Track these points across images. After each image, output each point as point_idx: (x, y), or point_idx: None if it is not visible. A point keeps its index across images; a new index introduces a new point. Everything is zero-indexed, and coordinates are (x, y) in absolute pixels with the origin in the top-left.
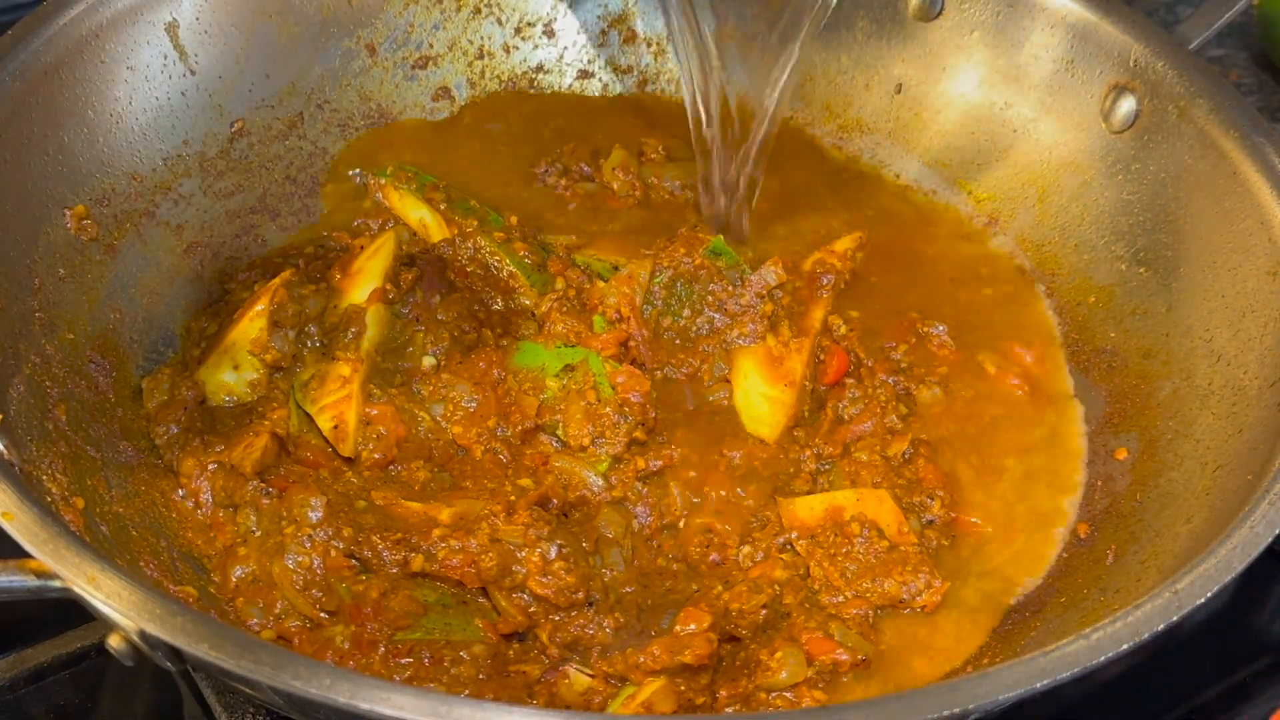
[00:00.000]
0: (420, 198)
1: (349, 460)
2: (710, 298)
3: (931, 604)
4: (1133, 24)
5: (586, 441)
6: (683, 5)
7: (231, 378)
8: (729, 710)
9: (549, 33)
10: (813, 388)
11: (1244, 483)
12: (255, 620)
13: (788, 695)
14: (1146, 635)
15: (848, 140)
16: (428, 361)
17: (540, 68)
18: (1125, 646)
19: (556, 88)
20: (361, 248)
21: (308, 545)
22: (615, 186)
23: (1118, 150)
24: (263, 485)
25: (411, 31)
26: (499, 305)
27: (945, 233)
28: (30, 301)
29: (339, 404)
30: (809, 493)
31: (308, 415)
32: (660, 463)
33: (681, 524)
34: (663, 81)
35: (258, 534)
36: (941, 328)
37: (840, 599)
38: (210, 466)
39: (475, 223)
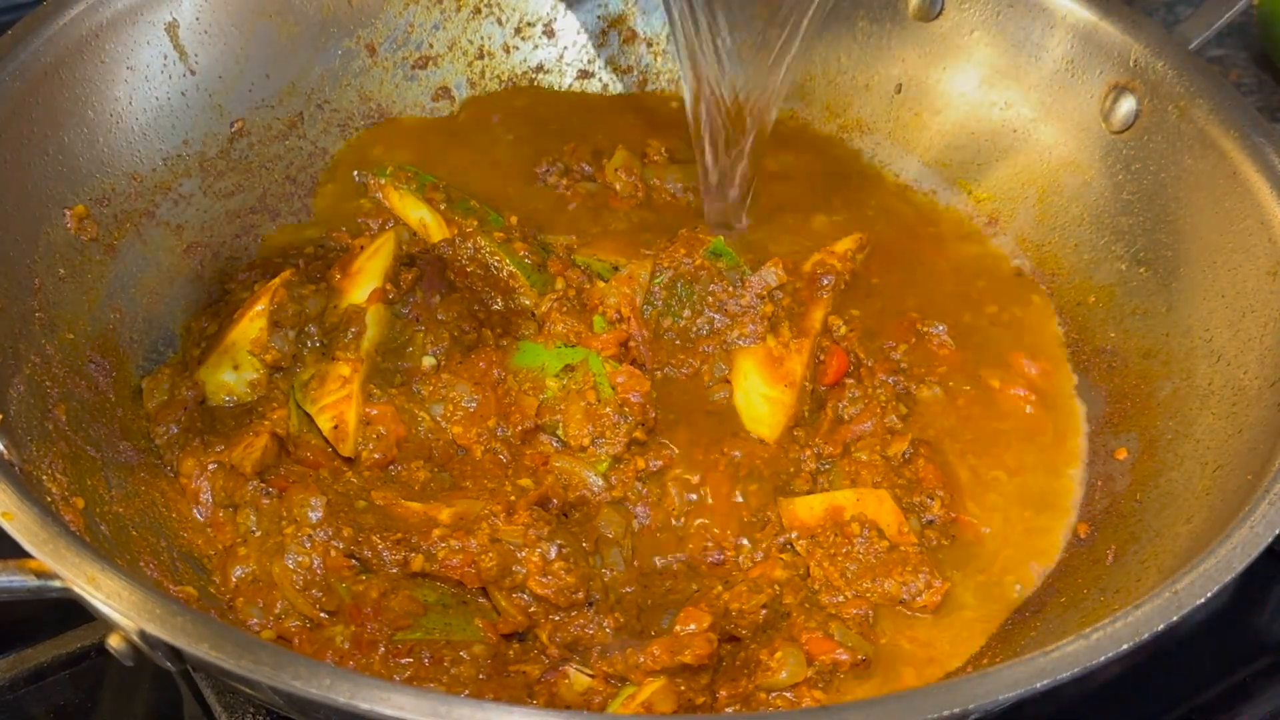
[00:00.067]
0: (420, 198)
1: (349, 460)
2: (710, 298)
3: (932, 604)
4: (1133, 24)
5: (586, 441)
6: (683, 4)
7: (231, 378)
8: (729, 710)
9: (549, 33)
10: (813, 388)
11: (1244, 483)
12: (255, 620)
13: (788, 695)
14: (1146, 635)
15: (848, 140)
16: (428, 361)
17: (540, 68)
18: (1125, 646)
19: (556, 88)
20: (361, 248)
21: (308, 545)
22: (617, 187)
23: (1118, 150)
24: (263, 485)
25: (411, 31)
26: (499, 305)
27: (945, 233)
28: (30, 301)
29: (339, 404)
30: (809, 493)
31: (308, 415)
32: (660, 463)
33: (681, 524)
34: (663, 81)
35: (258, 534)
36: (941, 327)
37: (840, 599)
38: (210, 466)
39: (475, 223)
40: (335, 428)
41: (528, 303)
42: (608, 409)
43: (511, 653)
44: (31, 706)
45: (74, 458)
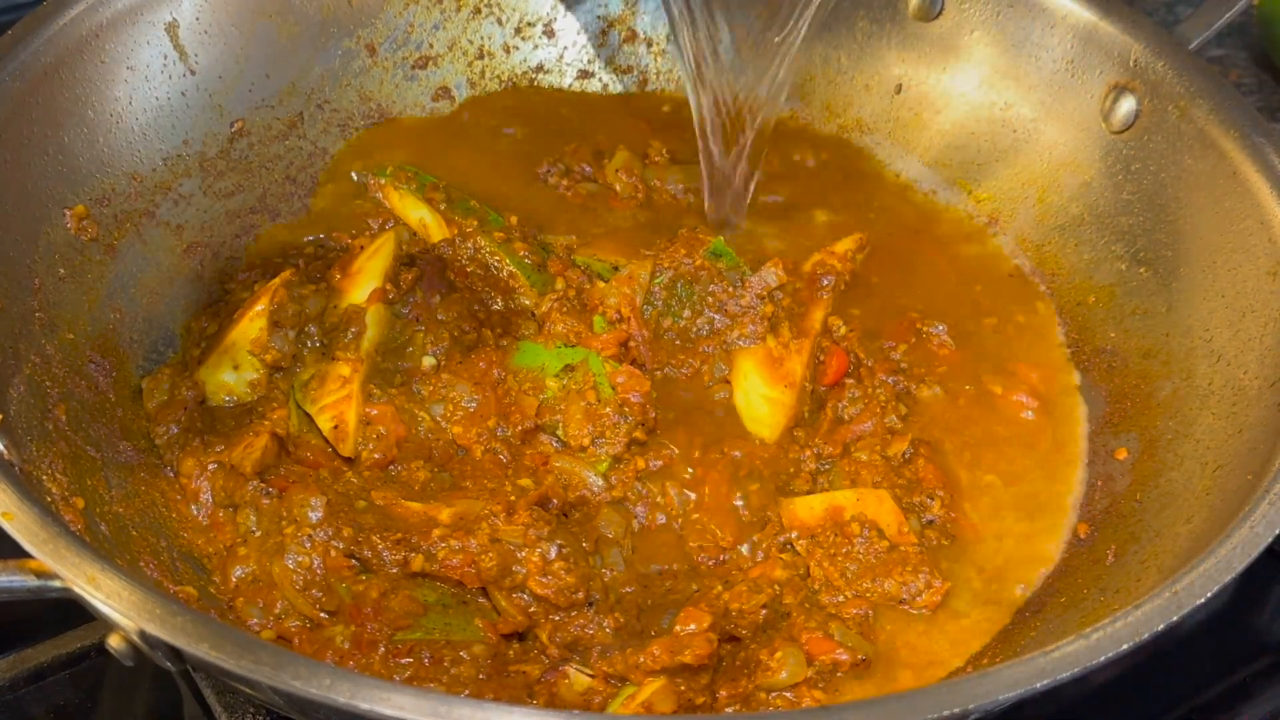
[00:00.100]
0: (420, 198)
1: (349, 460)
2: (710, 299)
3: (931, 604)
4: (1133, 24)
5: (586, 441)
6: (682, 4)
7: (231, 378)
8: (729, 710)
9: (549, 33)
10: (813, 388)
11: (1244, 483)
12: (255, 620)
13: (788, 695)
14: (1146, 635)
15: (848, 140)
16: (428, 361)
17: (540, 68)
18: (1125, 646)
19: (557, 88)
20: (361, 248)
21: (308, 545)
22: (618, 188)
23: (1118, 150)
24: (263, 485)
25: (411, 31)
26: (499, 305)
27: (945, 233)
28: (30, 301)
29: (339, 404)
30: (809, 493)
31: (308, 415)
32: (660, 463)
33: (681, 524)
34: (663, 81)
35: (258, 534)
36: (941, 327)
37: (840, 599)
38: (210, 466)
39: (475, 223)
40: (335, 428)
41: (528, 303)
42: (608, 409)
43: (511, 653)
44: (31, 706)
45: (74, 458)
